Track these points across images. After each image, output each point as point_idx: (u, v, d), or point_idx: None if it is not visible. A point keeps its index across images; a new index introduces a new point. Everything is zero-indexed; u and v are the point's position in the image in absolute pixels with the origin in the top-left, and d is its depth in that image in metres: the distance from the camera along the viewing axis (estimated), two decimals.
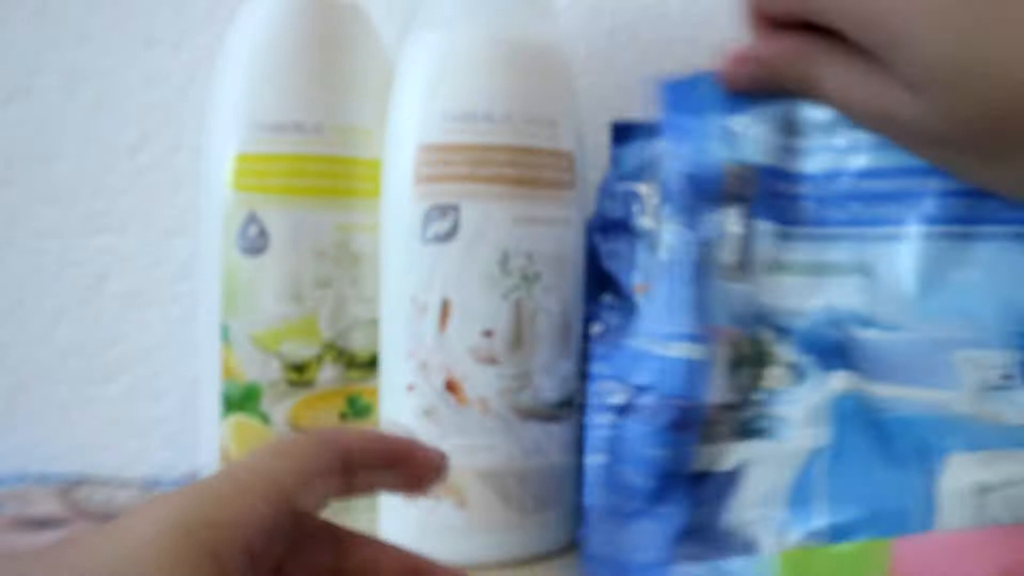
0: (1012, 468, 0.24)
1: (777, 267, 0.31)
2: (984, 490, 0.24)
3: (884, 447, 0.25)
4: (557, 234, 0.36)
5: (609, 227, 0.35)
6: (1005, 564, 0.22)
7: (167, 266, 0.50)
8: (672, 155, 0.30)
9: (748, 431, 0.29)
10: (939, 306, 0.29)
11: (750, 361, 0.30)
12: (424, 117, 0.36)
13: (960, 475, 0.24)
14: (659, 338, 0.29)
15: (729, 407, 0.29)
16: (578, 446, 0.35)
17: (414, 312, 0.35)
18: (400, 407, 0.36)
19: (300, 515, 0.21)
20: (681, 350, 0.28)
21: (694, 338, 0.29)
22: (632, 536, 0.28)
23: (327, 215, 0.38)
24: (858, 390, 0.27)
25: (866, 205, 0.30)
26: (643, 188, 0.34)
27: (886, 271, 0.30)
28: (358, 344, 0.39)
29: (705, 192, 0.30)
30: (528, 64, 0.36)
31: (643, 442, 0.28)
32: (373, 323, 0.39)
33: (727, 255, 0.30)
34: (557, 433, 0.36)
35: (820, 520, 0.25)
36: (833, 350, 0.29)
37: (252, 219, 0.37)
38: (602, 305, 0.36)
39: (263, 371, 0.37)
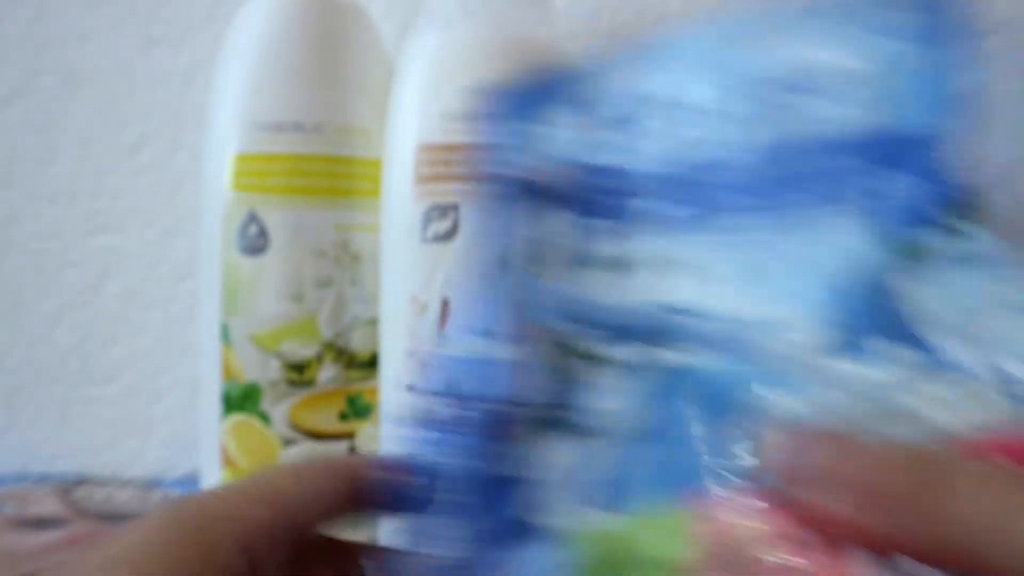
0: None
1: (589, 262, 0.30)
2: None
3: (697, 413, 0.25)
4: None
5: None
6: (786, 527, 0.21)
7: (167, 266, 0.50)
8: (482, 153, 0.30)
9: (563, 430, 0.28)
10: (759, 296, 0.28)
11: (561, 358, 0.29)
12: (424, 117, 0.36)
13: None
14: (459, 338, 0.28)
15: (547, 406, 0.28)
16: None
17: (414, 311, 0.35)
18: (400, 407, 0.36)
19: (304, 528, 0.21)
20: (484, 349, 0.28)
21: (496, 335, 0.28)
22: (440, 540, 0.26)
23: (327, 215, 0.38)
24: (672, 364, 0.27)
25: (677, 194, 0.30)
26: None
27: (701, 263, 0.29)
28: (358, 344, 0.39)
29: (509, 184, 0.30)
30: (528, 64, 0.36)
31: (455, 453, 0.27)
32: (373, 323, 0.39)
33: (537, 252, 0.30)
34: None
35: (635, 506, 0.25)
36: (649, 338, 0.28)
37: (252, 219, 0.37)
38: None
39: (263, 371, 0.37)
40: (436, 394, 0.27)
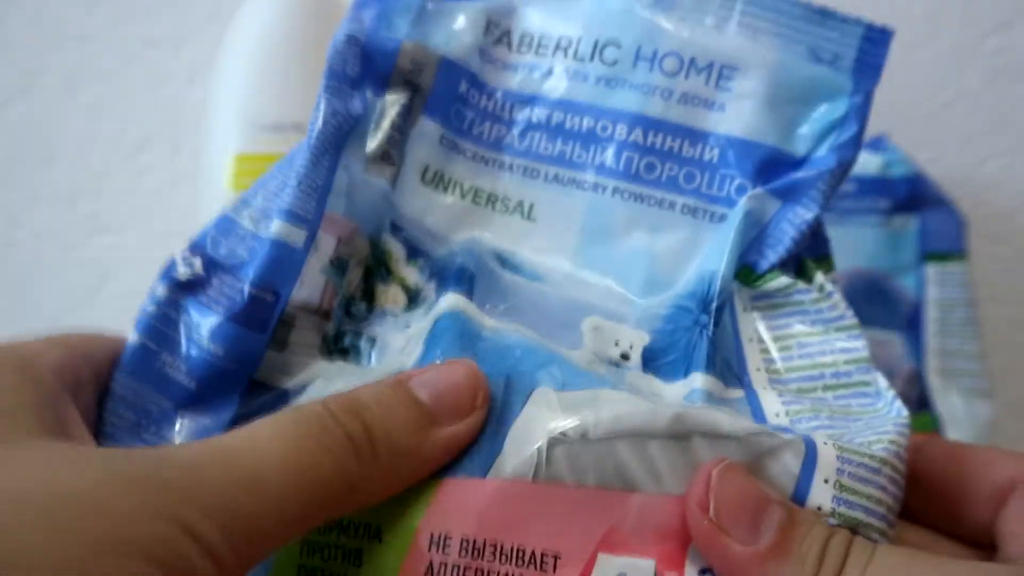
0: (589, 421, 0.20)
1: (433, 179, 0.27)
2: (555, 442, 0.20)
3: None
4: None
5: None
6: (514, 517, 0.20)
7: None
8: (350, 17, 0.27)
9: (333, 347, 0.25)
10: (591, 267, 0.26)
11: (364, 268, 0.26)
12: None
13: (536, 420, 0.21)
14: (257, 212, 0.24)
15: (318, 312, 0.24)
16: None
17: None
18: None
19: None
20: (275, 230, 0.23)
21: (295, 219, 0.23)
22: (156, 442, 0.23)
23: None
24: (463, 312, 0.24)
25: (549, 139, 0.27)
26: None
27: (548, 217, 0.27)
28: None
29: (371, 64, 0.26)
30: None
31: (197, 330, 0.23)
32: None
33: (373, 142, 0.26)
34: None
35: None
36: (460, 279, 0.25)
37: None
38: None
39: None
40: (210, 261, 0.24)
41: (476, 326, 0.23)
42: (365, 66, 0.26)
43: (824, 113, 0.26)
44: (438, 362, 0.22)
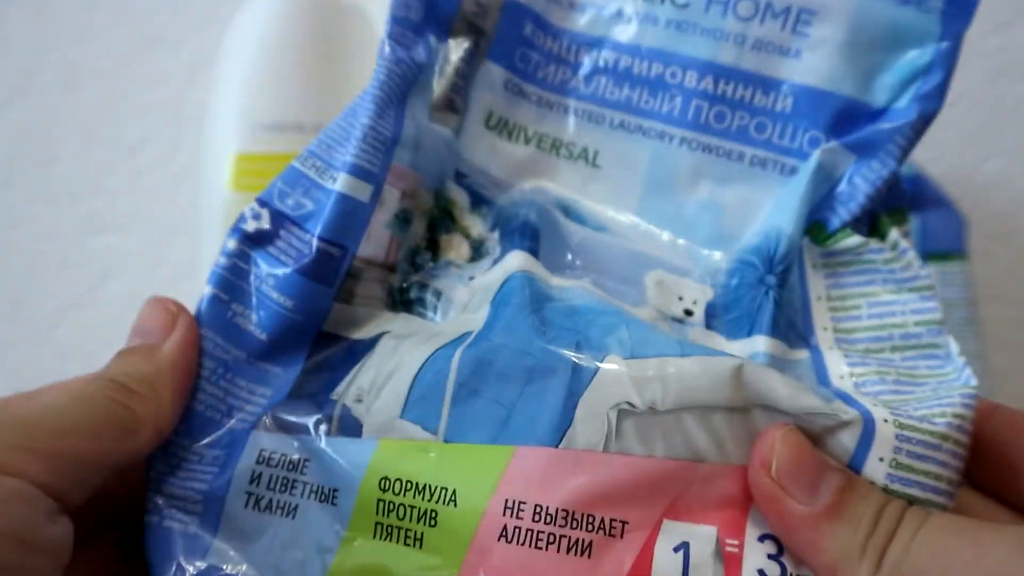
0: (658, 394, 0.20)
1: (497, 125, 0.27)
2: (624, 414, 0.20)
3: (539, 336, 0.22)
4: None
5: None
6: (586, 486, 0.20)
7: (167, 266, 0.50)
8: None
9: (399, 299, 0.25)
10: (655, 217, 0.26)
11: (428, 219, 0.25)
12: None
13: (606, 391, 0.21)
14: (321, 162, 0.24)
15: (384, 266, 0.24)
16: None
17: None
18: None
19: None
20: (341, 183, 0.23)
21: (362, 172, 0.23)
22: (230, 390, 0.23)
23: None
24: (530, 272, 0.24)
25: (615, 84, 0.26)
26: None
27: (613, 166, 0.26)
28: None
29: (434, 8, 0.26)
30: None
31: (266, 282, 0.23)
32: None
33: (438, 89, 0.26)
34: None
35: (437, 420, 0.21)
36: (525, 233, 0.25)
37: None
38: None
39: None
40: (278, 215, 0.23)
41: (543, 286, 0.23)
42: (428, 11, 0.26)
43: (907, 60, 0.24)
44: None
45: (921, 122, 0.24)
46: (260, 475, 0.22)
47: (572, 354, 0.21)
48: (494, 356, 0.21)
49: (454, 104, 0.26)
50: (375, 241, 0.24)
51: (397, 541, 0.21)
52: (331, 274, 0.23)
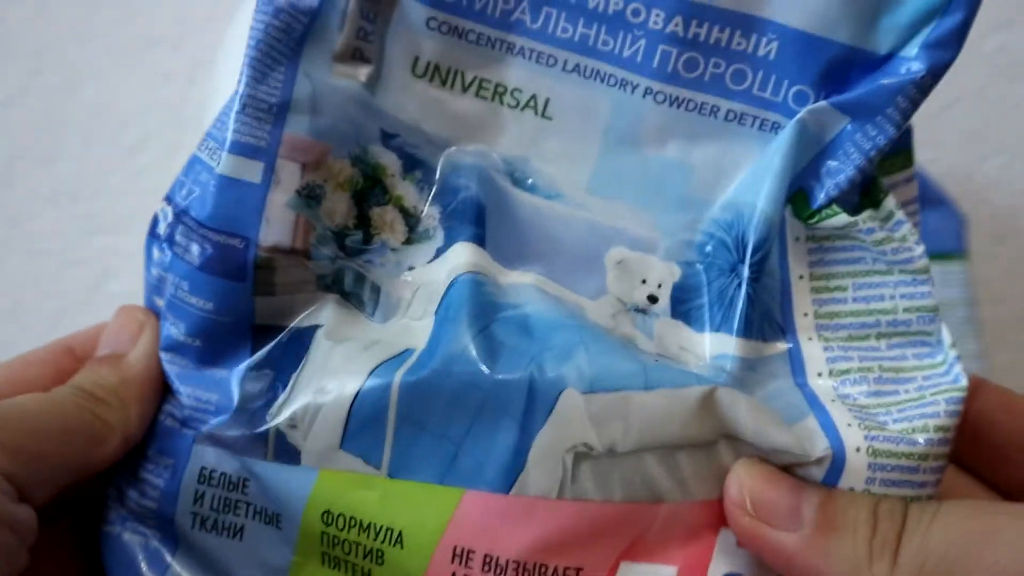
0: (618, 435, 0.19)
1: (427, 71, 0.22)
2: (580, 457, 0.19)
3: (488, 362, 0.20)
4: None
5: None
6: (539, 536, 0.19)
7: None
8: None
9: (332, 285, 0.22)
10: (615, 182, 0.22)
11: (352, 192, 0.22)
12: None
13: (561, 433, 0.19)
14: (214, 142, 0.21)
15: (294, 252, 0.21)
16: None
17: None
18: None
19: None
20: (224, 165, 0.20)
21: (246, 149, 0.20)
22: (180, 400, 0.22)
23: None
24: (478, 273, 0.21)
25: (568, 19, 0.22)
26: None
27: (567, 117, 0.22)
28: None
29: None
30: None
31: (182, 288, 0.21)
32: None
33: (339, 38, 0.21)
34: None
35: (380, 454, 0.20)
36: (468, 214, 0.22)
37: None
38: None
39: None
40: (179, 211, 0.21)
41: (491, 289, 0.21)
42: None
43: None
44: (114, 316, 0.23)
45: (930, 77, 0.20)
46: (203, 495, 0.21)
47: (526, 387, 0.19)
48: (439, 386, 0.20)
49: (362, 53, 0.22)
50: (277, 225, 0.21)
51: (347, 572, 0.20)
52: (239, 268, 0.21)
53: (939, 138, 0.49)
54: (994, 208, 0.50)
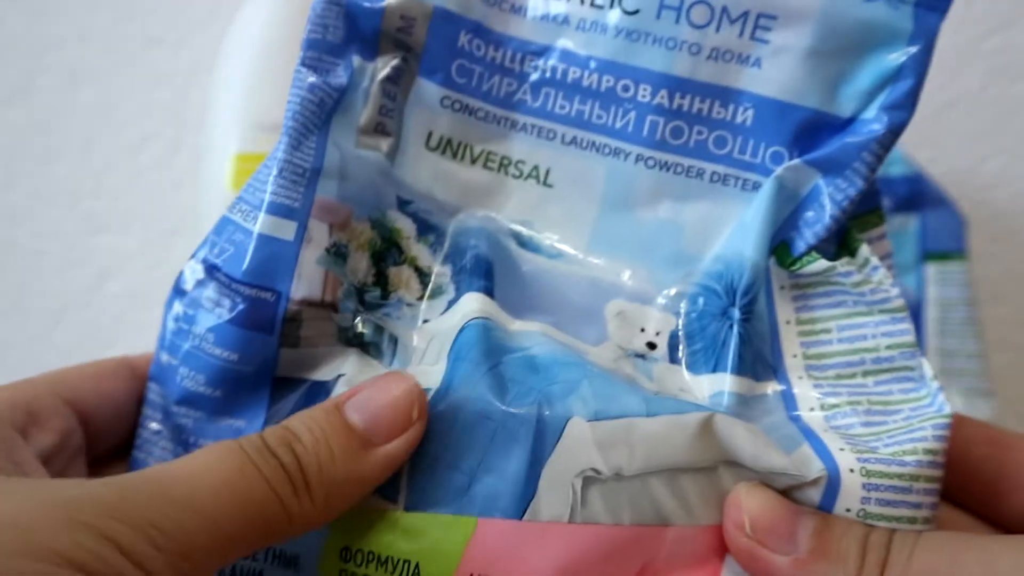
0: (623, 459, 0.20)
1: (439, 145, 0.25)
2: (589, 481, 0.20)
3: (499, 397, 0.21)
4: None
5: None
6: (553, 560, 0.20)
7: (167, 266, 0.50)
8: None
9: (353, 338, 0.23)
10: (613, 242, 0.24)
11: (372, 252, 0.24)
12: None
13: (570, 459, 0.20)
14: (248, 206, 0.23)
15: (323, 305, 0.23)
16: None
17: None
18: None
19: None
20: (261, 224, 0.22)
21: (282, 210, 0.22)
22: (194, 446, 0.22)
23: None
24: (488, 319, 0.22)
25: (565, 97, 0.24)
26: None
27: (566, 185, 0.25)
28: None
29: (355, 26, 0.24)
30: None
31: (207, 340, 0.22)
32: None
33: (364, 113, 0.24)
34: None
35: (397, 489, 0.21)
36: (478, 270, 0.23)
37: None
38: None
39: None
40: (210, 267, 0.23)
41: (501, 334, 0.23)
42: (349, 30, 0.24)
43: (876, 64, 0.23)
44: (378, 376, 0.21)
45: (890, 135, 0.22)
46: None
47: (534, 417, 0.20)
48: (453, 420, 0.21)
49: (384, 127, 0.24)
50: (308, 280, 0.22)
51: None
52: (268, 321, 0.22)
53: (939, 138, 0.49)
54: (994, 208, 0.50)
